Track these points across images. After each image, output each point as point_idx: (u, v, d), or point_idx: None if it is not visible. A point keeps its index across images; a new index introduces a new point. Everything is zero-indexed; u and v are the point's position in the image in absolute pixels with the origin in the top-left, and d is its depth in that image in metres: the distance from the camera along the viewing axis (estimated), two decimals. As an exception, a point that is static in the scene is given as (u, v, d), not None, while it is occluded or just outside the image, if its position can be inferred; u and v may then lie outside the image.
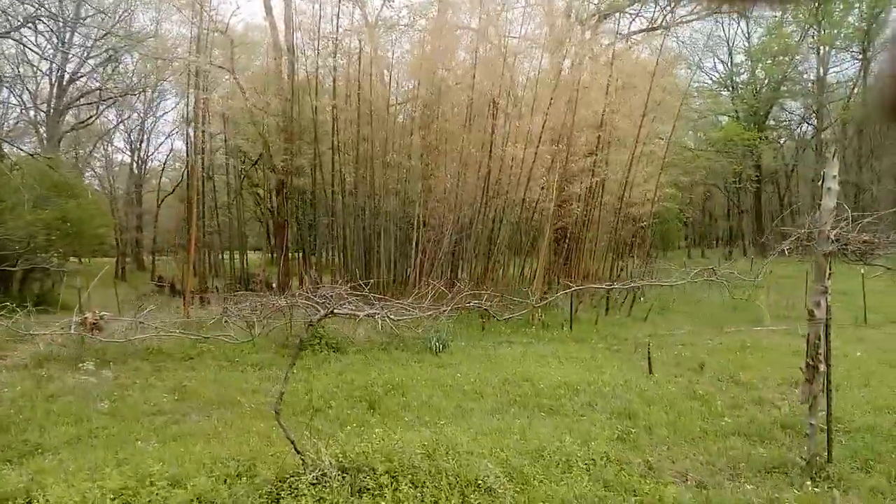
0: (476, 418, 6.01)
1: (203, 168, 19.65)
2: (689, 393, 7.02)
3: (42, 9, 21.13)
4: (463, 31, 18.98)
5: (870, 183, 32.87)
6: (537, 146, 14.75)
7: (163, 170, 36.51)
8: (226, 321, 10.83)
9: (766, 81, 38.69)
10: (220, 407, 6.74)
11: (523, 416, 6.17)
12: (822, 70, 34.86)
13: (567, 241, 16.59)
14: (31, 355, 9.84)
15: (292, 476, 4.03)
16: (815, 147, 37.87)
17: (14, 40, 20.79)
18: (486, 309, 7.53)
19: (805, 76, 36.79)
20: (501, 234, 15.94)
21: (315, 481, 3.95)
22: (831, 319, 4.84)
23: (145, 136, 37.21)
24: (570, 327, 12.09)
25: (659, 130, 18.61)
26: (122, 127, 36.20)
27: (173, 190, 36.58)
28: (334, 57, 18.47)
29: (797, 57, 35.49)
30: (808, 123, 39.05)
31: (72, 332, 9.72)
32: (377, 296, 6.65)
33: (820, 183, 4.78)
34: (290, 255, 21.33)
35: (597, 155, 15.98)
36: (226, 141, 20.48)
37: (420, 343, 9.76)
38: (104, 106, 32.50)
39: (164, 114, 48.13)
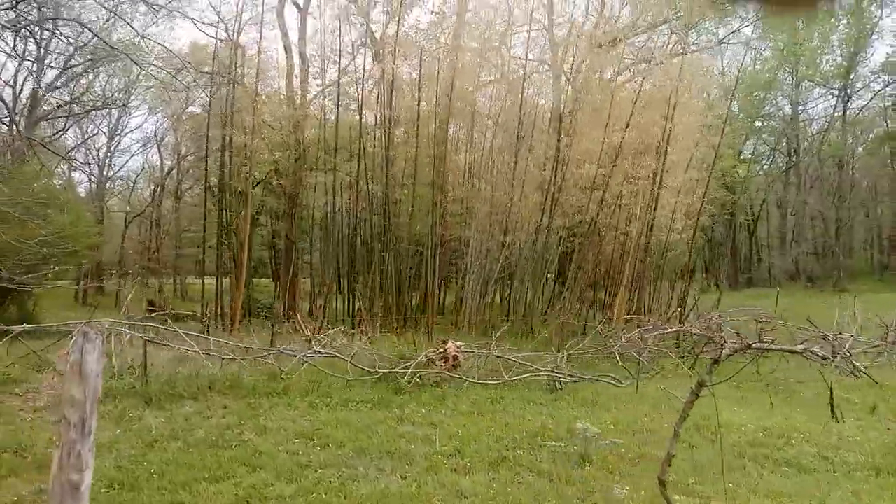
0: (739, 475, 5.06)
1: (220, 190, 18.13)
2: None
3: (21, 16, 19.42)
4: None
5: (848, 217, 33.66)
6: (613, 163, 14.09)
7: (132, 189, 34.32)
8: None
9: (740, 115, 39.48)
10: (388, 457, 5.61)
11: (772, 474, 5.26)
12: (796, 104, 35.75)
13: (609, 268, 15.96)
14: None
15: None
16: (786, 181, 38.76)
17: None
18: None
19: (781, 111, 37.69)
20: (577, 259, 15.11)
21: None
22: None
23: (109, 154, 35.11)
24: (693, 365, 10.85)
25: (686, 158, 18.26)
26: (84, 145, 34.04)
27: (143, 210, 34.59)
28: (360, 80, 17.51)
29: (775, 92, 36.34)
30: (781, 153, 39.87)
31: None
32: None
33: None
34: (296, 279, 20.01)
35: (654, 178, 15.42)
36: (229, 158, 18.96)
37: (534, 381, 8.77)
38: (74, 120, 30.45)
39: (129, 131, 45.67)
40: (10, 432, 6.18)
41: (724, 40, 28.86)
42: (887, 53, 31.96)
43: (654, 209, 15.18)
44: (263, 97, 18.54)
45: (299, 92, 19.23)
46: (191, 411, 7.49)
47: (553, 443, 5.80)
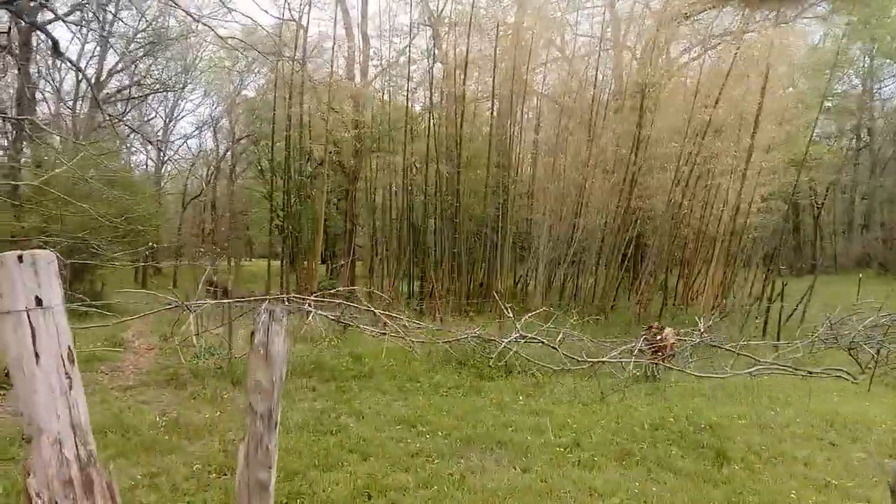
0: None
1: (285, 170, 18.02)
2: None
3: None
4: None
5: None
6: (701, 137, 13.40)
7: (189, 172, 34.67)
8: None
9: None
10: (499, 447, 5.28)
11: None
12: (871, 81, 33.85)
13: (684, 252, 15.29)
14: (157, 370, 8.38)
15: None
16: (856, 162, 36.92)
17: (72, 23, 18.94)
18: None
19: (853, 90, 35.79)
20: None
21: None
22: None
23: (167, 137, 35.54)
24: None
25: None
26: (145, 125, 34.48)
27: (200, 193, 34.97)
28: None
29: (846, 69, 34.49)
30: (852, 134, 37.98)
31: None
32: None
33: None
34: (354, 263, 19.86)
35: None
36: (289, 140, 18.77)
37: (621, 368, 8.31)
38: (134, 103, 30.88)
39: (185, 114, 46.21)
40: (109, 413, 6.06)
41: (798, 15, 27.36)
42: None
43: (740, 191, 14.45)
44: (326, 78, 18.32)
45: (360, 71, 18.93)
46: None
47: (677, 436, 5.38)
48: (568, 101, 16.80)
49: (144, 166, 35.55)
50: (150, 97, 32.06)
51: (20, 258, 1.88)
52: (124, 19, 23.79)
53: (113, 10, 22.32)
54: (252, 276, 27.17)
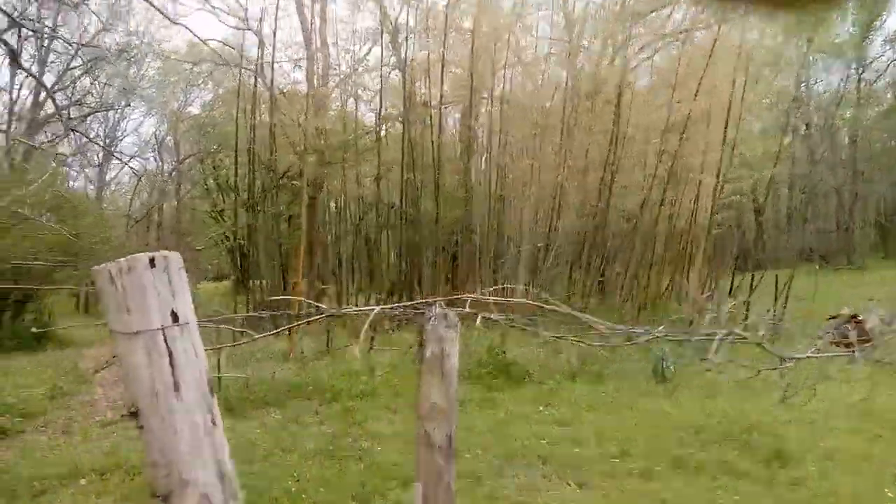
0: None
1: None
2: None
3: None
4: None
5: (860, 193, 33.22)
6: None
7: (134, 193, 33.29)
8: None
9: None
10: (542, 462, 5.00)
11: None
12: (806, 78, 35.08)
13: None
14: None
15: None
16: (793, 157, 38.30)
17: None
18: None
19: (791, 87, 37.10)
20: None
21: None
22: None
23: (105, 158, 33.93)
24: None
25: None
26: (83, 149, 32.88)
27: (147, 213, 33.51)
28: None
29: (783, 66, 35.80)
30: (791, 130, 39.40)
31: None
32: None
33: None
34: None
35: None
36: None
37: (635, 367, 8.16)
38: (72, 123, 29.33)
39: (125, 135, 44.39)
40: (99, 451, 5.50)
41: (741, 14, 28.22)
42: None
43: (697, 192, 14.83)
44: (285, 89, 17.80)
45: (319, 81, 18.44)
46: (281, 419, 6.86)
47: (723, 438, 5.19)
48: (526, 102, 16.81)
49: (86, 188, 33.78)
50: (90, 118, 30.63)
51: (152, 261, 1.50)
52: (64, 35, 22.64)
53: (51, 25, 21.25)
54: (208, 296, 26.11)
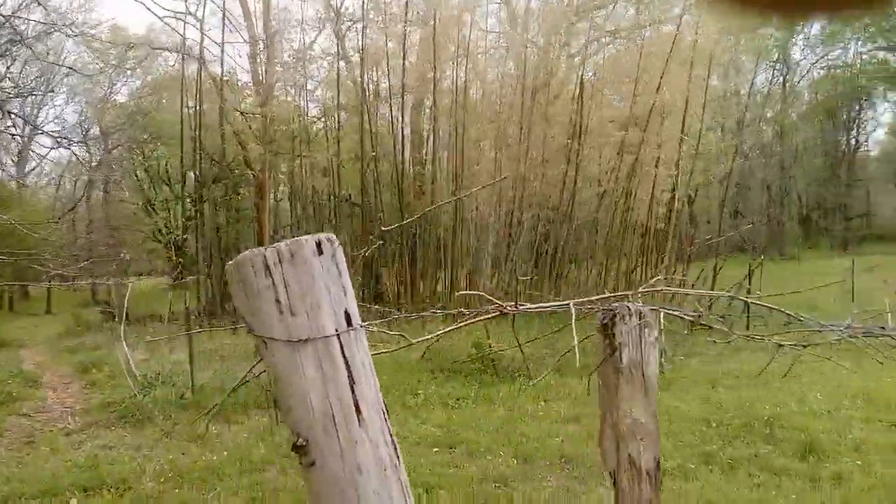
0: None
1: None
2: None
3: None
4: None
5: (788, 187, 34.70)
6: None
7: (59, 184, 31.33)
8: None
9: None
10: (564, 463, 4.74)
11: None
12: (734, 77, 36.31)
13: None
14: (98, 407, 7.10)
15: None
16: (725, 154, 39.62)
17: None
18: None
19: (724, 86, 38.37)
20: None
21: None
22: None
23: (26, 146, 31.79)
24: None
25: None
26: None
27: (74, 206, 31.52)
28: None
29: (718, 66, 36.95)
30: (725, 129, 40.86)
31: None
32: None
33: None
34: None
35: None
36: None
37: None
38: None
39: (47, 122, 41.77)
40: (73, 465, 4.92)
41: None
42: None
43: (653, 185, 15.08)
44: (226, 76, 16.88)
45: (264, 71, 17.63)
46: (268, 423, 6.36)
47: (745, 432, 5.06)
48: (474, 96, 16.65)
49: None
50: (6, 105, 28.51)
51: (318, 246, 1.12)
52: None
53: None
54: (143, 294, 24.76)
